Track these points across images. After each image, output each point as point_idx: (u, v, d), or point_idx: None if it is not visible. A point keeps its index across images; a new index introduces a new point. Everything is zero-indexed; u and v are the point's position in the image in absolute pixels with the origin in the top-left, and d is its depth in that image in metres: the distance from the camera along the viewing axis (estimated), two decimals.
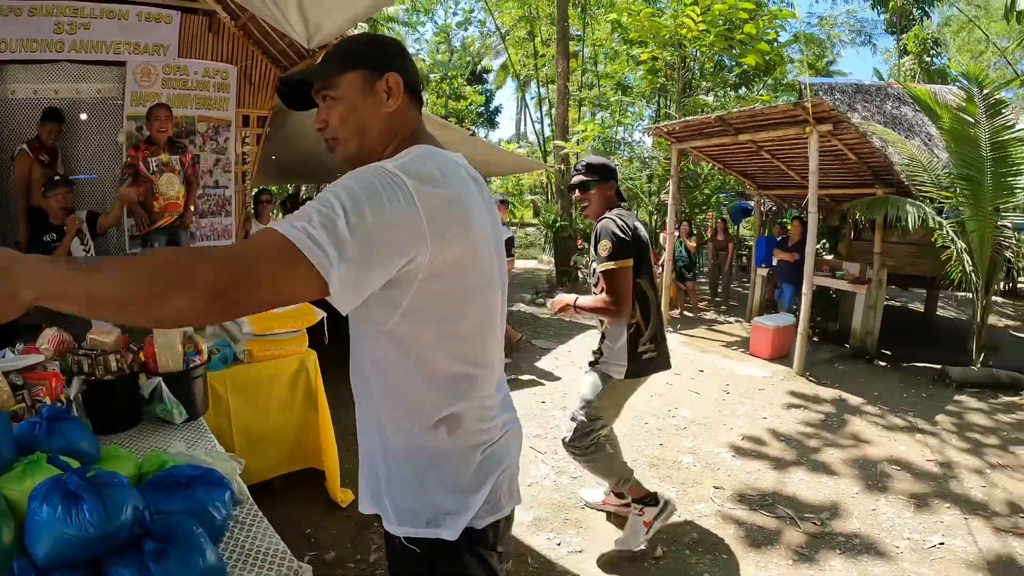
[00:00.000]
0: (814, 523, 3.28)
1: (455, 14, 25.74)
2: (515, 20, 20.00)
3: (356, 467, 1.29)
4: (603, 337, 2.81)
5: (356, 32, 5.70)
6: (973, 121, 6.20)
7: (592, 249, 2.71)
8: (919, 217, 6.20)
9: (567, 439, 2.89)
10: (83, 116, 4.95)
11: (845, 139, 6.34)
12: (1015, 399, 5.68)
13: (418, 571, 1.15)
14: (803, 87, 10.21)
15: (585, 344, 7.05)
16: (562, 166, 13.93)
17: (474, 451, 1.14)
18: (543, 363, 6.42)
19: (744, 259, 13.94)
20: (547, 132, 18.17)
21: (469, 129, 11.30)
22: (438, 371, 1.09)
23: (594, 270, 2.69)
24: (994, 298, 7.74)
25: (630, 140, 16.50)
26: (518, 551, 2.91)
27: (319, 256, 0.84)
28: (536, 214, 21.52)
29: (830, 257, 8.89)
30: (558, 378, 5.84)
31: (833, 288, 8.06)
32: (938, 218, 6.37)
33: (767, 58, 11.74)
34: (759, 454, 4.22)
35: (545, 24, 18.70)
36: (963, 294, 7.06)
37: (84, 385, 2.00)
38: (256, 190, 6.55)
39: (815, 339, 7.86)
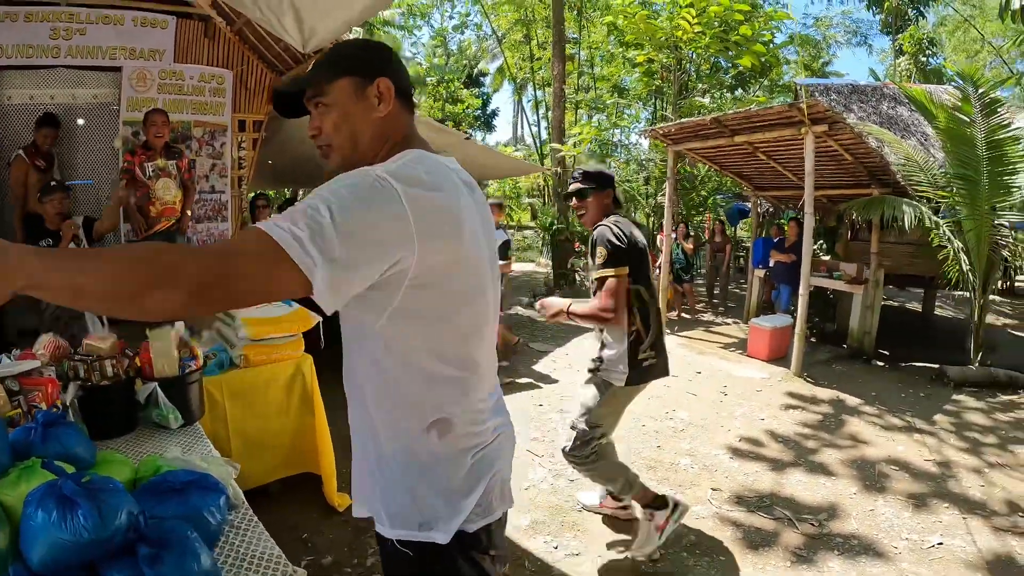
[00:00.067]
0: (812, 524, 3.28)
1: (451, 17, 25.72)
2: (511, 23, 20.01)
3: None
4: (603, 345, 2.79)
5: (351, 36, 5.71)
6: (969, 120, 6.21)
7: (589, 256, 2.71)
8: (915, 217, 6.22)
9: (567, 448, 2.86)
10: (80, 122, 4.96)
11: (841, 140, 6.36)
12: (1013, 398, 5.69)
13: (411, 574, 1.15)
14: (799, 88, 10.26)
15: (583, 347, 7.05)
16: (558, 169, 13.95)
17: (465, 455, 1.14)
18: (540, 366, 6.42)
19: (742, 260, 13.97)
20: (544, 135, 18.18)
21: (466, 132, 11.31)
22: (428, 374, 1.09)
23: (591, 277, 2.69)
24: (992, 297, 7.75)
25: (627, 142, 16.57)
26: (515, 554, 2.90)
27: (302, 255, 0.86)
28: (534, 217, 21.53)
29: (827, 258, 8.90)
30: (555, 381, 5.84)
31: (830, 289, 8.08)
32: (934, 217, 6.38)
33: (763, 60, 11.79)
34: (757, 455, 4.21)
35: (541, 27, 18.71)
36: (961, 293, 7.07)
37: (80, 390, 1.99)
38: (253, 195, 6.55)
39: (813, 340, 7.87)
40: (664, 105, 13.88)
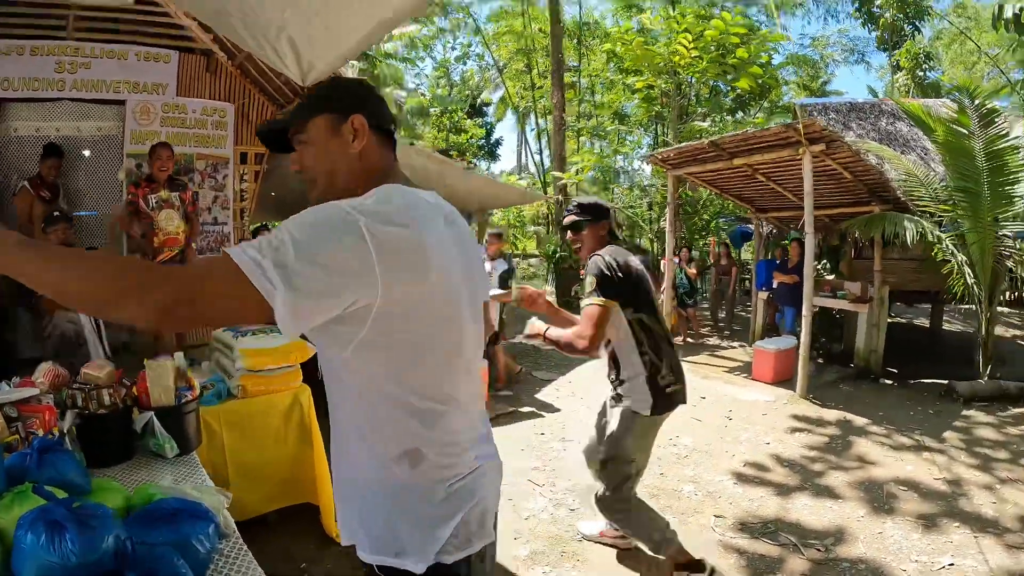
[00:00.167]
0: (818, 549, 3.21)
1: (453, 48, 26.16)
2: (512, 53, 20.36)
3: None
4: (619, 377, 2.68)
5: (350, 68, 5.81)
6: (967, 132, 6.23)
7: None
8: (917, 232, 6.20)
9: (602, 493, 2.75)
10: (86, 153, 5.06)
11: (839, 158, 6.38)
12: None
13: None
14: (797, 109, 10.34)
15: (586, 375, 7.03)
16: (560, 197, 14.05)
17: (439, 485, 1.14)
18: (543, 394, 6.38)
19: (748, 283, 13.95)
20: (547, 163, 18.35)
21: (471, 162, 11.43)
22: (398, 405, 1.10)
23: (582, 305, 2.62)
24: (1000, 309, 7.69)
25: (629, 169, 16.70)
26: None
27: (263, 281, 0.90)
28: (539, 245, 21.63)
29: (831, 277, 8.87)
30: (558, 410, 5.80)
31: (836, 308, 8.04)
32: (936, 232, 6.37)
33: (760, 81, 11.91)
34: (762, 480, 4.15)
35: (541, 56, 19.03)
36: (968, 307, 7.02)
37: (78, 418, 2.01)
38: (255, 226, 6.62)
39: (820, 360, 7.82)
40: (665, 130, 14.02)
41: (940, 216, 6.75)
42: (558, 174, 13.91)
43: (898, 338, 7.96)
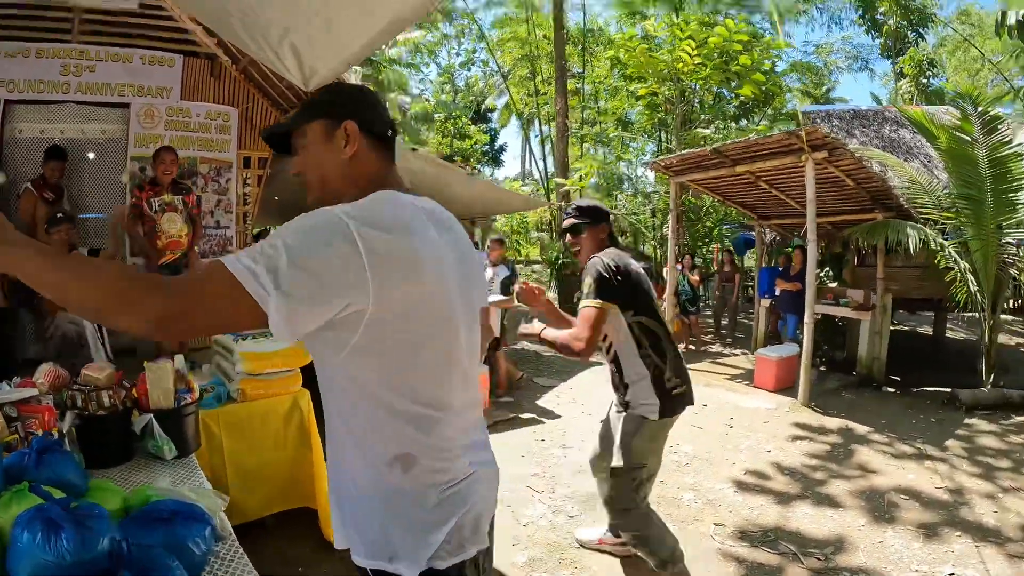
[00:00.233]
0: (818, 558, 3.19)
1: (458, 54, 26.26)
2: (516, 59, 20.43)
3: None
4: (623, 383, 2.65)
5: (353, 73, 5.83)
6: (970, 139, 6.22)
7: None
8: (920, 240, 6.19)
9: (611, 496, 2.72)
10: (90, 156, 5.09)
11: (841, 165, 6.38)
12: None
13: None
14: (800, 116, 10.35)
15: (587, 382, 7.02)
16: (563, 203, 14.06)
17: (431, 490, 1.14)
18: (544, 401, 6.37)
19: (751, 290, 13.93)
20: (550, 169, 18.37)
21: (475, 168, 11.46)
22: (390, 410, 1.10)
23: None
24: (1005, 316, 7.65)
25: (632, 175, 16.70)
26: None
27: (256, 287, 0.92)
28: (542, 251, 21.63)
29: (834, 284, 8.85)
30: (558, 416, 5.79)
31: (839, 316, 8.02)
32: (939, 239, 6.35)
33: (764, 88, 11.91)
34: (762, 488, 4.13)
35: (545, 63, 19.07)
36: (972, 314, 6.99)
37: (77, 419, 2.02)
38: (257, 230, 6.64)
39: (822, 368, 7.80)
40: (669, 137, 14.02)
41: (943, 223, 6.73)
42: (560, 180, 13.91)
43: (901, 346, 7.94)
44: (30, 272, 0.91)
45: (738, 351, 9.33)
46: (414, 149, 6.98)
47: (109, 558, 1.20)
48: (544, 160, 19.94)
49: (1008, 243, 6.34)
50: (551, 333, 2.55)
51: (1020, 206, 6.11)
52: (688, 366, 2.79)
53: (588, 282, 2.49)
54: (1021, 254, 6.48)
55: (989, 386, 6.23)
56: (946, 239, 6.53)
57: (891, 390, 6.79)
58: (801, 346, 6.47)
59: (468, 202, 9.49)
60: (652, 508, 2.77)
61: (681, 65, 11.29)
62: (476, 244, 10.44)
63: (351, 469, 1.16)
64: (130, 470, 2.02)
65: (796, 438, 5.18)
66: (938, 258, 6.43)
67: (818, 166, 6.15)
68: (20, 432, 1.85)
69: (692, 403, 2.71)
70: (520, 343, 9.46)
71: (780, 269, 8.73)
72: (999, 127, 6.07)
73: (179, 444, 2.13)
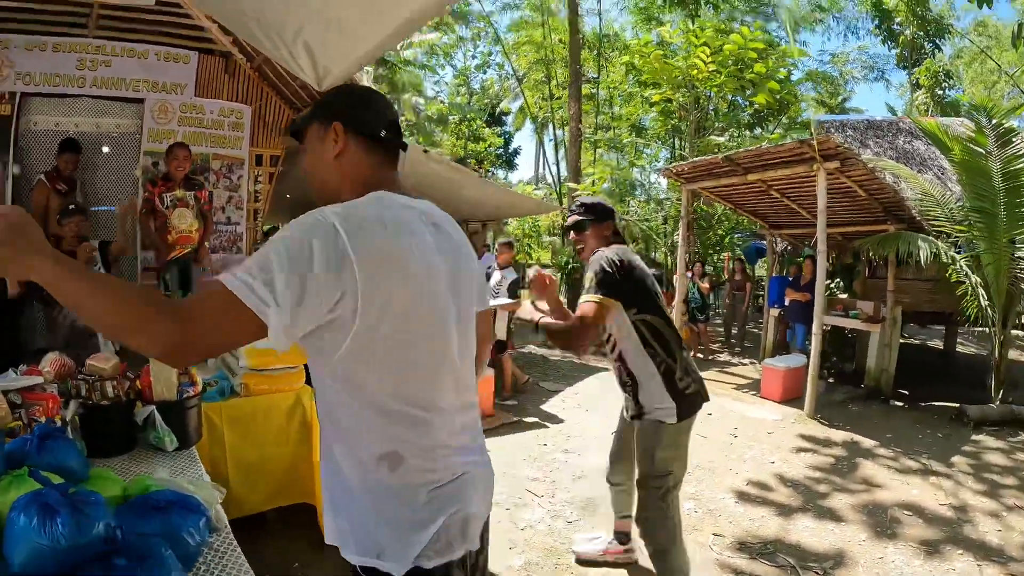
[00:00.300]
0: (816, 572, 3.17)
1: (474, 57, 26.33)
2: (531, 63, 20.46)
3: None
4: (634, 382, 2.57)
5: (365, 74, 5.85)
6: (984, 152, 6.16)
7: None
8: (931, 252, 6.13)
9: (639, 509, 2.63)
10: (104, 150, 5.15)
11: (853, 176, 6.34)
12: None
13: None
14: (812, 125, 10.30)
15: (592, 387, 7.01)
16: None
17: (419, 489, 1.14)
18: (549, 405, 6.37)
19: (761, 300, 13.85)
20: (563, 174, 18.37)
21: (489, 171, 11.48)
22: (381, 410, 1.12)
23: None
24: (1015, 332, 7.57)
25: (644, 182, 16.68)
26: None
27: (256, 302, 0.95)
28: (554, 256, 21.63)
29: (844, 296, 8.79)
30: (562, 421, 5.78)
31: (848, 327, 7.96)
32: (951, 252, 6.30)
33: (779, 97, 11.86)
34: (764, 500, 4.10)
35: (560, 67, 19.09)
36: (983, 329, 6.92)
37: (81, 408, 2.06)
38: (267, 227, 6.69)
39: (830, 380, 7.75)
40: (682, 144, 13.99)
41: (955, 236, 6.67)
42: (573, 185, 13.91)
43: (910, 359, 7.86)
44: (49, 280, 0.92)
45: (746, 360, 9.29)
46: (426, 151, 7.00)
47: (103, 544, 1.22)
48: (557, 164, 19.97)
49: (1020, 257, 6.27)
50: (548, 322, 2.46)
51: None
52: None
53: (589, 276, 2.42)
54: None
55: (998, 402, 6.15)
56: (958, 252, 6.47)
57: (899, 404, 6.73)
58: (809, 357, 6.43)
59: (480, 204, 9.52)
60: (680, 524, 2.64)
61: (696, 72, 11.27)
62: (487, 247, 10.50)
63: (340, 467, 1.17)
64: (131, 460, 2.05)
65: (800, 450, 5.14)
66: (949, 271, 6.37)
67: (830, 176, 6.12)
68: (24, 419, 1.89)
69: (708, 399, 2.62)
70: (527, 347, 9.47)
71: (791, 279, 8.69)
72: (1014, 140, 6.00)
73: (180, 436, 2.17)
